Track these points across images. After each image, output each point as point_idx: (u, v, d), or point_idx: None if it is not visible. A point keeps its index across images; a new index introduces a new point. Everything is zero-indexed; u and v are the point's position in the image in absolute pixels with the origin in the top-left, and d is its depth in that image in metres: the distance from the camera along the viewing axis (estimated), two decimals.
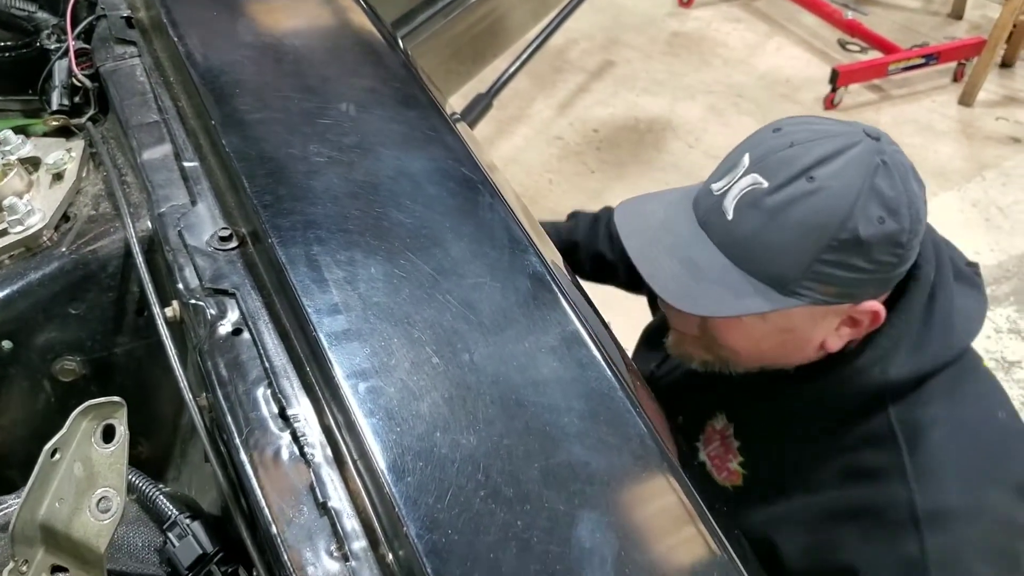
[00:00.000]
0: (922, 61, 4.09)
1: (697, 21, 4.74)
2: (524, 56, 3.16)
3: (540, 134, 3.69)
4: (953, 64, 4.22)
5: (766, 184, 0.87)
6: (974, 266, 1.05)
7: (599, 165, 3.54)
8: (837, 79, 3.93)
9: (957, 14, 4.79)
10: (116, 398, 0.71)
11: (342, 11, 1.14)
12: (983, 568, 0.91)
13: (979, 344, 3.06)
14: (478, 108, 2.98)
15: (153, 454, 0.97)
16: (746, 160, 0.90)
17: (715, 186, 0.91)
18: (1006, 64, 4.37)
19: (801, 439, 1.00)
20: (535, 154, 3.61)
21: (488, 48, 3.07)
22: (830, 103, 4.01)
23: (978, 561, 0.91)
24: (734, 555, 0.67)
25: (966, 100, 4.09)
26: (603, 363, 0.75)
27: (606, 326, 0.89)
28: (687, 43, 4.44)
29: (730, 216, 0.89)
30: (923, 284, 0.96)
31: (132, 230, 0.90)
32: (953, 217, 3.39)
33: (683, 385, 1.13)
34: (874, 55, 4.27)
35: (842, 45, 4.54)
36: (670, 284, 0.90)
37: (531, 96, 3.92)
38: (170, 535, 0.75)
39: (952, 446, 0.95)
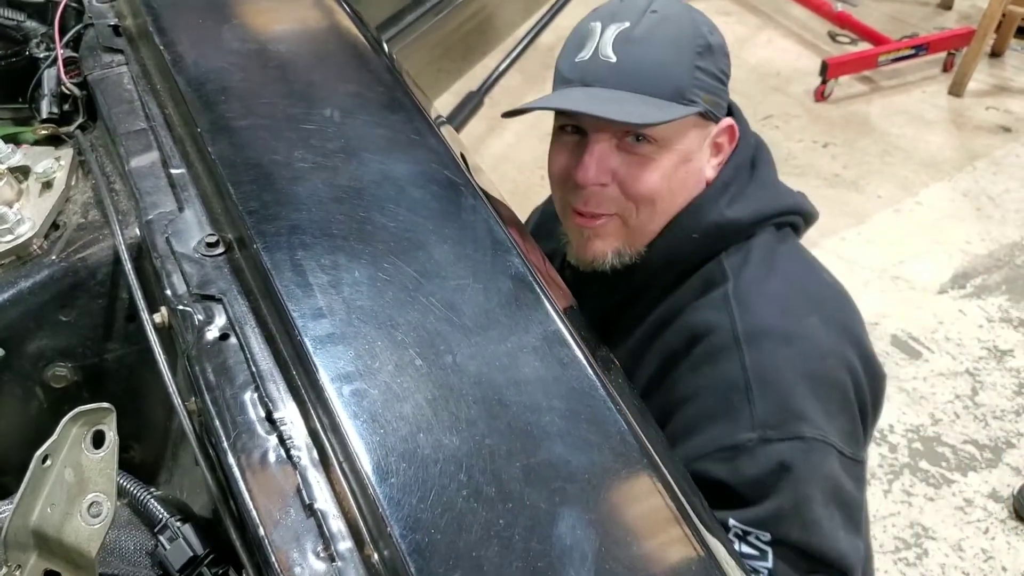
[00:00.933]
0: (912, 52, 4.11)
1: None
2: (514, 53, 3.16)
3: (531, 130, 3.69)
4: (943, 54, 4.23)
5: (628, 23, 1.02)
6: None
7: None
8: (827, 71, 3.94)
9: (946, 4, 4.80)
10: (105, 404, 0.72)
11: (326, 17, 1.15)
12: (798, 383, 0.98)
13: (970, 333, 3.11)
14: (469, 106, 2.99)
15: (145, 458, 0.98)
16: (596, 25, 1.04)
17: (580, 56, 1.04)
18: (995, 54, 4.39)
19: (649, 312, 1.10)
20: (527, 151, 3.62)
21: (478, 46, 3.08)
22: (820, 95, 4.03)
23: (794, 376, 0.98)
24: (713, 550, 0.68)
25: (956, 90, 4.10)
26: (583, 361, 0.76)
27: (586, 321, 0.90)
28: None
29: (615, 59, 1.01)
30: (747, 140, 1.12)
31: (120, 237, 0.91)
32: (944, 207, 3.40)
33: None
34: (864, 47, 4.28)
35: (832, 37, 4.55)
36: (601, 105, 0.99)
37: (522, 93, 3.92)
38: (161, 538, 0.76)
39: (776, 282, 1.05)
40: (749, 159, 1.12)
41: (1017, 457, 2.59)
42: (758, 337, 0.99)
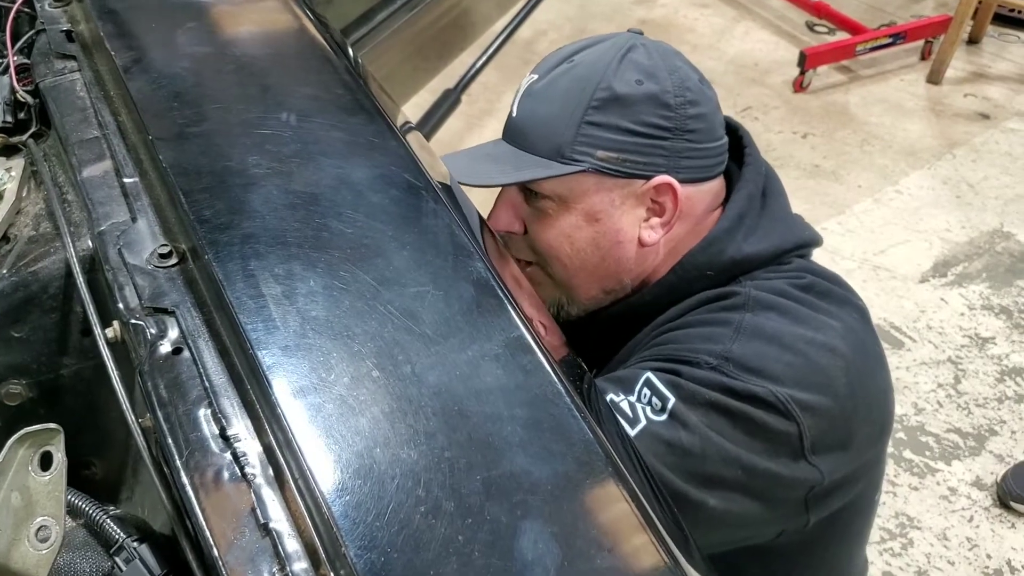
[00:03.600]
0: (889, 40, 4.11)
1: (664, 8, 4.74)
2: (491, 49, 3.15)
3: None
4: (920, 42, 4.24)
5: (536, 76, 1.04)
6: None
7: None
8: (805, 61, 3.94)
9: None
10: (52, 424, 0.70)
11: (284, 20, 1.12)
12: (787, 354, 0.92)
13: (952, 321, 3.13)
14: (447, 103, 2.97)
15: (106, 475, 0.96)
16: (527, 77, 1.06)
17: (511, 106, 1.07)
18: (973, 41, 4.40)
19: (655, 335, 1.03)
20: None
21: (454, 42, 3.06)
22: (799, 85, 4.02)
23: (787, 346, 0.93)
24: (681, 559, 0.67)
25: (934, 78, 4.11)
26: (547, 368, 0.74)
27: (555, 326, 0.88)
28: (655, 30, 4.44)
29: (515, 114, 1.04)
30: (757, 168, 1.06)
31: (72, 250, 0.89)
32: (924, 195, 3.40)
33: None
34: (842, 36, 4.29)
35: (810, 27, 4.55)
36: (462, 172, 1.00)
37: (500, 89, 3.91)
38: (117, 559, 0.74)
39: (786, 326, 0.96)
40: (760, 188, 1.06)
41: (1000, 444, 2.59)
42: (765, 311, 0.96)
